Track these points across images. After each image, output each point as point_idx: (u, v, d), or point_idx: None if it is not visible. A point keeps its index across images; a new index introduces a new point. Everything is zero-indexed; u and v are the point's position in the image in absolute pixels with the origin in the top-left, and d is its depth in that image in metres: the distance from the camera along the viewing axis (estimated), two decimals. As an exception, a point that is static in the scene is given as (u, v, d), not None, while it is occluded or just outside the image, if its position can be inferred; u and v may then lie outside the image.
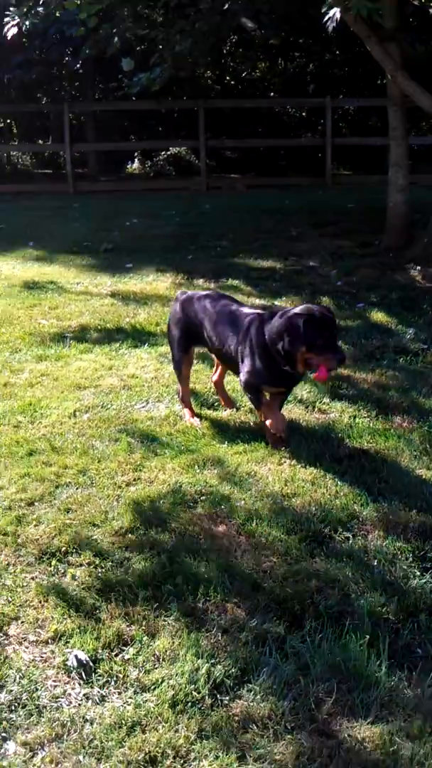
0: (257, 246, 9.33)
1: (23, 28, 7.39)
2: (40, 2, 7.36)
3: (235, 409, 4.38)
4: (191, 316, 4.23)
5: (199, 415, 4.28)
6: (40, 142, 21.65)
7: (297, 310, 3.73)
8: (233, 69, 20.70)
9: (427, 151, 17.03)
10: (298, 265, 8.40)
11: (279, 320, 3.71)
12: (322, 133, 16.88)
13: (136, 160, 20.95)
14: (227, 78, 20.97)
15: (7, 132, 22.04)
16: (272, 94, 20.67)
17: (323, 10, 5.86)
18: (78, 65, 15.87)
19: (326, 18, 5.94)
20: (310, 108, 19.57)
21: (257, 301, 6.87)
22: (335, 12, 5.80)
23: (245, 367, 3.88)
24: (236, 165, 18.86)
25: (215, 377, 4.51)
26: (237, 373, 4.03)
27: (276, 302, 6.82)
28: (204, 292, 4.48)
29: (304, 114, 20.96)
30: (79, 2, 7.21)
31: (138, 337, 5.77)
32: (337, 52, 18.95)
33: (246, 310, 4.10)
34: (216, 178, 17.11)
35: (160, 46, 9.45)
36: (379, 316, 6.43)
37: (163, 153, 20.03)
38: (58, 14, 7.71)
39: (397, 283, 7.54)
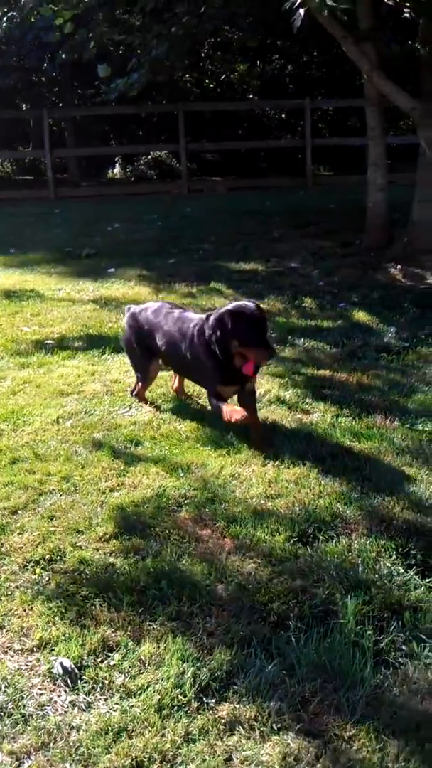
0: (239, 248, 9.35)
1: None
2: (14, 6, 7.35)
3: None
4: (142, 329, 4.39)
5: (181, 420, 4.29)
6: (21, 148, 21.62)
7: (228, 306, 3.86)
8: (211, 72, 20.76)
9: (406, 150, 17.12)
10: (279, 266, 8.43)
11: (213, 318, 3.88)
12: (301, 134, 16.94)
13: (117, 164, 20.95)
14: (206, 81, 21.01)
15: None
16: (251, 96, 20.74)
17: (285, 7, 5.87)
18: (56, 71, 15.85)
19: (293, 18, 5.96)
20: (290, 109, 19.65)
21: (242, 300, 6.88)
22: (300, 11, 5.82)
23: (202, 379, 4.09)
24: (217, 168, 18.92)
25: (175, 384, 4.64)
26: (192, 380, 4.29)
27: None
28: (150, 304, 4.56)
29: (283, 116, 21.04)
30: (55, 8, 7.21)
31: (119, 342, 5.76)
32: (315, 54, 19.03)
33: (191, 315, 4.24)
34: (197, 181, 17.14)
35: (138, 51, 9.45)
36: (360, 315, 6.46)
37: (144, 157, 20.05)
38: (33, 20, 7.69)
39: (378, 283, 7.58)
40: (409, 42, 9.41)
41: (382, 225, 9.04)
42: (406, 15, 7.95)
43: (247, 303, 3.91)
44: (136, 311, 4.53)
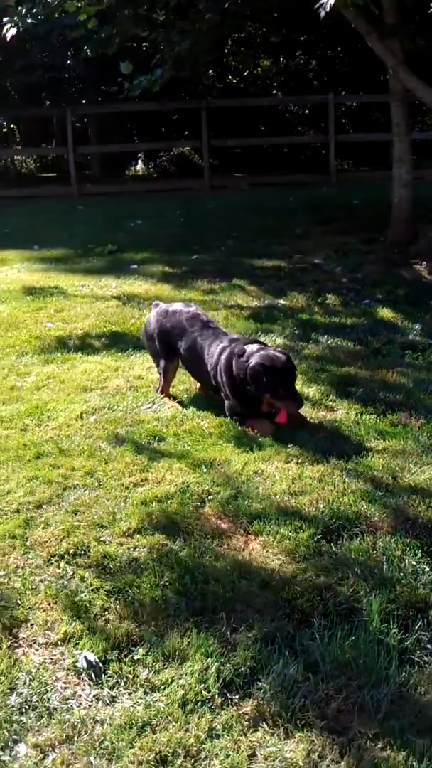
0: (262, 244, 9.32)
1: (20, 29, 7.41)
2: (39, 3, 7.38)
3: None
4: (167, 329, 4.51)
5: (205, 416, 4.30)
6: (44, 145, 21.71)
7: (259, 359, 4.00)
8: (234, 68, 20.69)
9: (430, 146, 16.97)
10: (302, 263, 8.39)
11: (245, 365, 4.03)
12: (325, 130, 16.83)
13: (139, 161, 20.98)
14: (229, 77, 20.95)
15: (11, 136, 22.12)
16: (274, 92, 20.65)
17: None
18: (80, 69, 15.89)
19: (318, 5, 5.89)
20: (313, 105, 19.52)
21: (263, 301, 6.88)
22: (327, 1, 5.74)
23: (226, 399, 4.21)
24: (240, 164, 18.84)
25: (198, 384, 4.70)
26: (207, 386, 4.45)
27: (281, 301, 6.83)
28: (180, 306, 4.67)
29: (306, 111, 20.92)
30: (79, 4, 7.22)
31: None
32: (339, 49, 18.91)
33: (219, 334, 4.37)
34: (219, 177, 17.10)
35: (161, 48, 9.45)
36: (384, 312, 6.42)
37: (166, 154, 20.05)
38: (57, 16, 7.71)
39: (402, 279, 7.52)
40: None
41: (406, 221, 8.97)
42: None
43: (279, 355, 4.11)
44: (165, 309, 4.63)
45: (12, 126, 22.02)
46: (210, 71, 19.33)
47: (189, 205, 13.09)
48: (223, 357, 4.20)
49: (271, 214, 11.63)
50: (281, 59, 20.45)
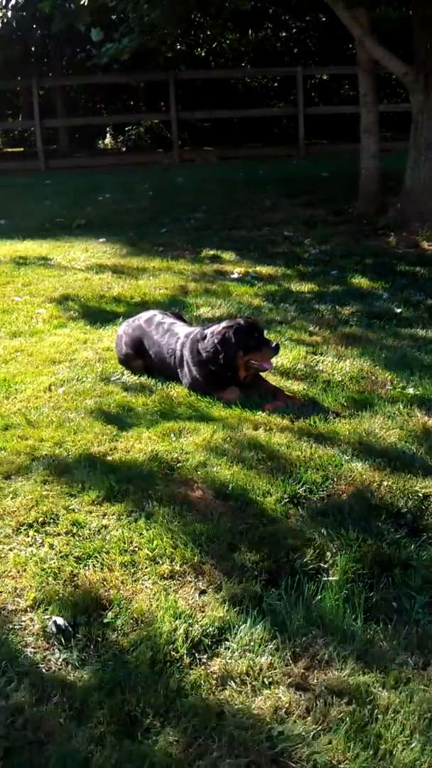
0: (231, 217, 9.29)
1: None
2: None
3: None
4: (136, 336, 4.53)
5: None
6: (10, 120, 21.33)
7: (221, 329, 4.11)
8: (202, 40, 20.42)
9: (400, 119, 16.96)
10: (272, 235, 8.39)
11: (211, 339, 4.10)
12: (294, 103, 16.73)
13: (108, 135, 20.71)
14: (197, 49, 20.69)
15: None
16: (243, 64, 20.43)
17: None
18: (47, 41, 15.54)
19: None
20: (282, 78, 19.37)
21: (233, 272, 6.87)
22: None
23: (189, 379, 4.21)
24: (208, 137, 18.68)
25: None
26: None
27: (250, 272, 6.82)
28: (141, 315, 4.69)
29: (275, 84, 20.75)
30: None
31: (113, 310, 5.75)
32: (307, 20, 18.74)
33: (178, 332, 4.38)
34: (189, 150, 16.95)
35: (129, 16, 9.30)
36: (353, 281, 6.45)
37: (134, 127, 19.81)
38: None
39: (370, 250, 7.55)
40: (404, 8, 9.27)
41: (374, 192, 8.98)
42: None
43: (237, 319, 4.31)
44: (132, 321, 4.68)
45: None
46: (177, 44, 19.07)
47: (158, 178, 12.98)
48: (186, 349, 4.22)
49: (241, 187, 11.59)
50: (249, 32, 20.22)
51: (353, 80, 18.46)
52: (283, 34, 19.89)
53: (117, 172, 14.50)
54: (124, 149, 19.55)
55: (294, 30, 19.36)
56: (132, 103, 21.10)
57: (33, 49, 17.59)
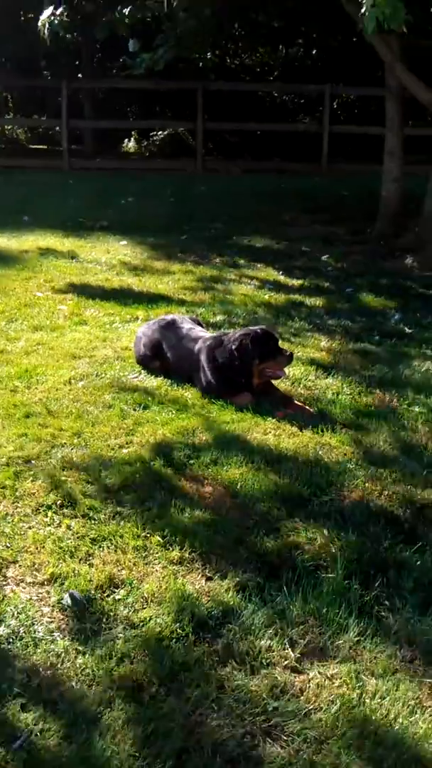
0: (250, 229, 9.50)
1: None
2: None
3: None
4: (155, 338, 4.71)
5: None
6: (35, 116, 21.60)
7: (239, 336, 4.30)
8: (233, 52, 20.70)
9: (423, 143, 17.17)
10: (290, 249, 8.59)
11: (228, 346, 4.30)
12: (320, 119, 16.97)
13: (132, 139, 20.97)
14: (228, 61, 20.97)
15: (3, 105, 21.95)
16: (271, 78, 20.71)
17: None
18: (88, 46, 15.80)
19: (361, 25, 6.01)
20: (310, 94, 19.63)
21: (249, 282, 7.06)
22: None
23: (204, 383, 4.38)
24: (233, 148, 18.92)
25: None
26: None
27: (267, 284, 7.01)
28: (161, 318, 4.92)
29: (302, 101, 21.01)
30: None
31: (132, 311, 5.94)
32: (339, 40, 18.99)
33: (196, 337, 4.56)
34: (212, 160, 17.18)
35: (165, 27, 9.54)
36: (366, 300, 6.64)
37: (159, 133, 20.06)
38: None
39: (386, 271, 7.74)
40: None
41: (394, 214, 9.18)
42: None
43: (253, 327, 4.47)
44: (152, 324, 4.87)
45: (5, 95, 21.84)
46: (208, 54, 19.33)
47: (180, 186, 13.20)
48: (203, 354, 4.41)
49: (262, 200, 11.80)
50: (280, 47, 20.49)
51: (379, 102, 18.72)
52: (314, 51, 20.12)
53: (140, 176, 14.73)
54: (147, 154, 19.78)
55: (325, 48, 19.59)
56: (158, 109, 21.38)
57: (65, 49, 17.88)
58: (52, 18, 9.68)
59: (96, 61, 18.41)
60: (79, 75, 18.47)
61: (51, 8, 9.76)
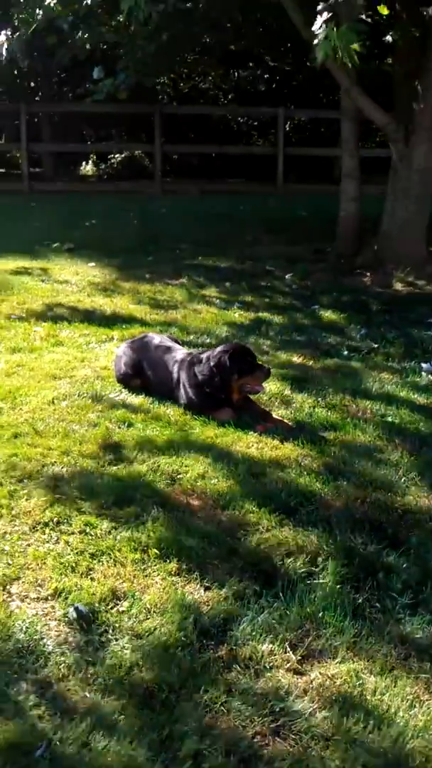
0: (215, 249, 9.68)
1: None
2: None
3: None
4: (135, 357, 4.83)
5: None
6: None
7: (218, 353, 4.43)
8: (186, 75, 21.03)
9: (374, 164, 17.64)
10: (255, 269, 8.79)
11: (207, 363, 4.42)
12: (273, 142, 17.33)
13: (90, 162, 21.10)
14: (180, 84, 21.28)
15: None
16: (224, 101, 21.08)
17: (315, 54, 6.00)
18: (49, 71, 15.90)
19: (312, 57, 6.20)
20: (262, 117, 20.06)
21: (219, 302, 7.21)
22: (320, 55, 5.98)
23: (185, 400, 4.51)
24: (189, 170, 19.19)
25: None
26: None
27: (236, 303, 7.17)
28: (140, 337, 5.07)
29: (255, 123, 21.43)
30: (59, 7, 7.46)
31: (106, 331, 6.03)
32: (290, 64, 19.45)
33: (175, 354, 4.69)
34: (170, 182, 17.38)
35: (124, 52, 9.72)
36: (333, 317, 6.84)
37: (117, 156, 20.23)
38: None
39: (348, 288, 7.97)
40: (385, 60, 9.85)
41: (353, 233, 9.45)
42: (388, 38, 8.37)
43: (231, 344, 4.68)
44: (131, 342, 5.01)
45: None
46: (163, 78, 19.60)
47: (142, 207, 13.34)
48: (183, 371, 4.53)
49: (223, 221, 12.01)
50: (232, 71, 20.87)
51: (329, 124, 19.19)
52: (266, 75, 20.57)
53: (100, 198, 14.83)
54: (105, 177, 19.92)
55: (277, 71, 20.04)
56: (114, 132, 21.57)
57: (22, 71, 17.95)
58: (8, 42, 9.76)
59: (56, 84, 18.50)
60: (37, 98, 18.54)
61: (7, 32, 9.85)
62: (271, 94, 19.91)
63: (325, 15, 5.52)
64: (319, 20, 5.55)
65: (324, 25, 5.45)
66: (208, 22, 10.13)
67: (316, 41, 5.77)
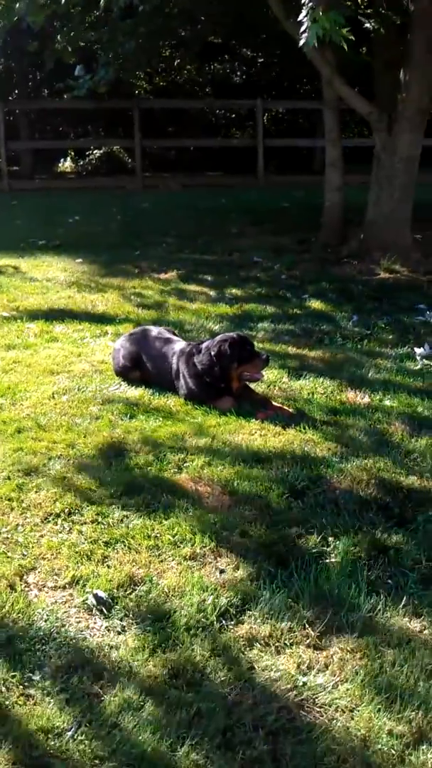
0: (201, 242, 9.69)
1: None
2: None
3: None
4: (134, 349, 4.84)
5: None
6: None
7: (218, 342, 4.46)
8: (162, 69, 21.00)
9: (354, 153, 17.73)
10: (242, 260, 8.82)
11: (207, 352, 4.46)
12: (253, 134, 17.36)
13: (68, 158, 21.02)
14: (156, 78, 21.25)
15: None
16: (201, 94, 21.07)
17: (302, 30, 6.04)
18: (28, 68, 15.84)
19: (301, 43, 6.23)
20: (239, 110, 20.08)
21: (210, 294, 7.24)
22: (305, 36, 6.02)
23: (186, 390, 4.54)
24: (169, 164, 19.17)
25: None
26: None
27: (227, 294, 7.21)
28: (138, 330, 5.10)
29: (233, 116, 21.45)
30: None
31: (100, 326, 6.04)
32: (265, 55, 19.49)
33: (174, 346, 4.72)
34: (150, 176, 17.36)
35: (103, 48, 9.70)
36: (323, 306, 6.89)
37: (95, 152, 20.17)
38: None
39: (336, 277, 8.03)
40: (363, 49, 9.90)
41: (337, 223, 9.51)
42: (367, 25, 8.42)
43: (229, 333, 4.66)
44: (130, 334, 5.03)
45: None
46: (139, 73, 19.57)
47: (123, 203, 13.34)
48: (182, 362, 4.56)
49: (206, 214, 12.03)
50: (209, 64, 20.87)
51: (307, 115, 19.26)
52: (244, 68, 20.60)
53: (80, 195, 14.80)
54: (84, 173, 19.85)
55: (253, 63, 20.07)
56: (91, 127, 21.50)
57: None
58: None
59: (32, 82, 18.40)
60: (11, 97, 18.44)
61: None
62: (248, 86, 19.94)
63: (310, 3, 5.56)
64: (306, 8, 5.60)
65: (311, 10, 5.49)
66: (186, 14, 10.13)
67: (303, 27, 5.81)
